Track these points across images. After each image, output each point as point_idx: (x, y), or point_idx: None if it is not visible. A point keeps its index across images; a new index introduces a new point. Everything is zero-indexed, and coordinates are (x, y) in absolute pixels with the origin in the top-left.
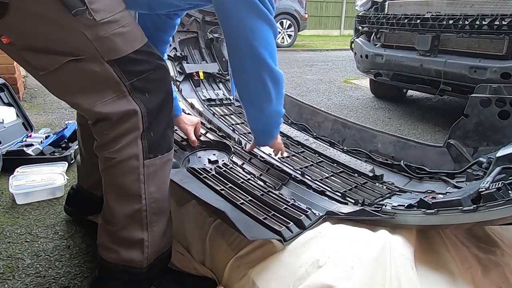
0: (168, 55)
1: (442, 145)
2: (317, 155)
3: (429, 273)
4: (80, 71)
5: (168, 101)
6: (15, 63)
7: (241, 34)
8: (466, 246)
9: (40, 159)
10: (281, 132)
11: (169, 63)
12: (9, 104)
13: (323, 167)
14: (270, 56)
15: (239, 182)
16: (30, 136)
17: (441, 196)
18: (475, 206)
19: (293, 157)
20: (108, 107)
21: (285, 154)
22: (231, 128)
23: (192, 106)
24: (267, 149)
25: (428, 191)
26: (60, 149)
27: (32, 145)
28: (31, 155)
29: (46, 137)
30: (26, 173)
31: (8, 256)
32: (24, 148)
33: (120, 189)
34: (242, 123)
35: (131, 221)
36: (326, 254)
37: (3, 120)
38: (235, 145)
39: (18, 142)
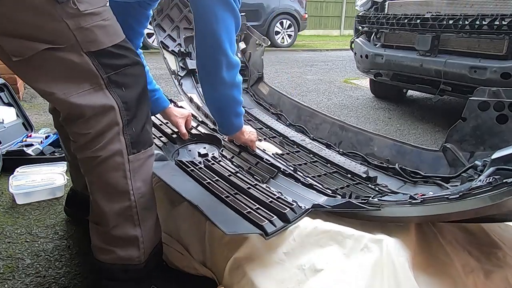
0: (172, 50)
1: (438, 149)
2: (311, 155)
3: (429, 279)
4: (57, 60)
5: (145, 97)
6: None
7: (207, 19)
8: (467, 250)
9: (40, 159)
10: (277, 132)
11: (172, 58)
12: (9, 104)
13: (316, 166)
14: (229, 42)
15: (226, 175)
16: (30, 136)
17: (431, 193)
18: (462, 194)
19: (287, 155)
20: (84, 98)
21: (279, 152)
22: None
23: (191, 100)
24: (260, 145)
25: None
26: (60, 149)
27: (32, 145)
28: (31, 155)
29: (46, 137)
30: (26, 173)
31: (8, 256)
32: (24, 148)
33: (108, 187)
34: None
35: (122, 219)
36: (323, 257)
37: (3, 120)
38: (226, 138)
39: (18, 142)
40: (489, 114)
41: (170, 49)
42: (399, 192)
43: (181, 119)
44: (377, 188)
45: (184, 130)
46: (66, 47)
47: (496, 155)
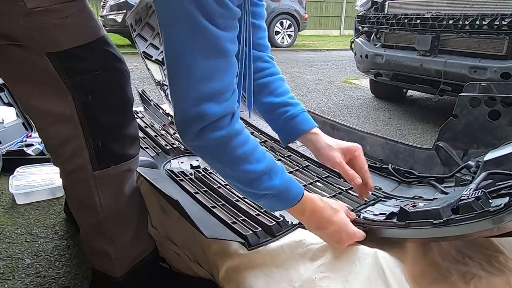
0: (156, 59)
1: (431, 147)
2: (303, 159)
3: None
4: (19, 57)
5: (119, 107)
6: None
7: (171, 48)
8: (467, 255)
9: (40, 159)
10: (268, 135)
11: (157, 67)
12: (9, 104)
13: (308, 171)
14: (208, 91)
15: (215, 186)
16: (30, 136)
17: (421, 205)
18: (445, 219)
19: (279, 162)
20: (43, 103)
21: None
22: None
23: None
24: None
25: (416, 197)
26: None
27: (32, 145)
28: (31, 155)
29: None
30: (26, 173)
31: (8, 256)
32: (24, 148)
33: (78, 200)
34: None
35: (95, 232)
36: (314, 271)
37: (3, 120)
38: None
39: (18, 142)
40: (481, 110)
41: (153, 58)
42: (392, 196)
43: (338, 153)
44: (370, 193)
45: (352, 175)
46: (25, 45)
47: (488, 156)
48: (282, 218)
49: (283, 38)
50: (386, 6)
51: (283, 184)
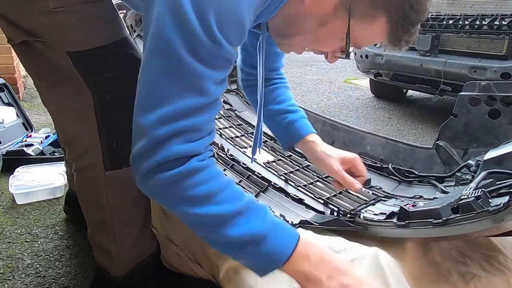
0: None
1: (431, 147)
2: (304, 159)
3: None
4: (41, 53)
5: None
6: (15, 63)
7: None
8: (467, 255)
9: (40, 159)
10: (268, 135)
11: None
12: (9, 104)
13: (309, 171)
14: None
15: None
16: (30, 136)
17: (421, 204)
18: (444, 219)
19: (279, 162)
20: (63, 97)
21: (271, 158)
22: (218, 133)
23: None
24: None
25: (416, 196)
26: (60, 149)
27: (32, 145)
28: (31, 155)
29: (46, 137)
30: (26, 173)
31: (8, 256)
32: (24, 148)
33: (85, 196)
34: (231, 127)
35: (99, 229)
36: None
37: (3, 120)
38: (219, 151)
39: (18, 142)
40: (481, 109)
41: None
42: (393, 196)
43: (336, 161)
44: (370, 192)
45: (350, 181)
46: (47, 42)
47: (488, 155)
48: (281, 219)
49: None
50: None
51: (268, 227)
